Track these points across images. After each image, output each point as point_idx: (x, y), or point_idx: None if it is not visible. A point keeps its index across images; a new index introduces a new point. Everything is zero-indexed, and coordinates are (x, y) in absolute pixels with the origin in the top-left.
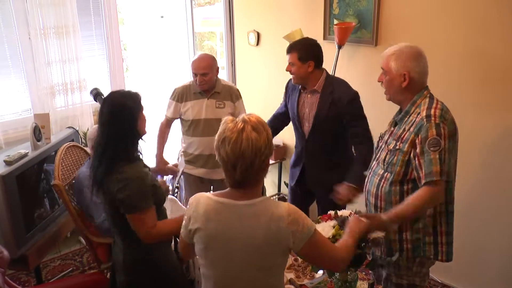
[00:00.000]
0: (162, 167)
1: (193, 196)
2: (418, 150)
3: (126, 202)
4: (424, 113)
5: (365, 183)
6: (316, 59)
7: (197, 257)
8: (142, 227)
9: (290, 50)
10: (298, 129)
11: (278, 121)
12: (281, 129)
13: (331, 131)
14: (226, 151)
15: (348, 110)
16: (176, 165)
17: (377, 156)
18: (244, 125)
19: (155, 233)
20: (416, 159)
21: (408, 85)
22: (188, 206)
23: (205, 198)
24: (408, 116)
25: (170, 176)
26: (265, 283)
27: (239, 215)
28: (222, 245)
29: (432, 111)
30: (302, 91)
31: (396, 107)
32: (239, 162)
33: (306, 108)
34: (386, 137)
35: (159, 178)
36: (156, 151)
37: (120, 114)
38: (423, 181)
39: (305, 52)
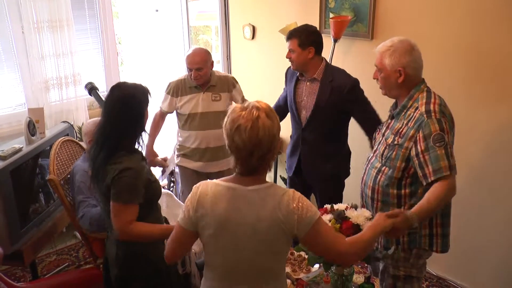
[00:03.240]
0: (152, 159)
1: (197, 184)
2: (421, 146)
3: (114, 188)
4: (423, 108)
5: (362, 175)
6: (317, 45)
7: (204, 245)
8: (118, 219)
9: (290, 36)
10: (295, 117)
11: (280, 109)
12: (286, 115)
13: (328, 120)
14: (242, 139)
15: (350, 98)
16: (165, 159)
17: (375, 149)
18: (258, 113)
19: (130, 231)
20: (421, 156)
21: (404, 80)
22: (191, 193)
23: (212, 184)
24: (405, 110)
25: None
26: (270, 269)
27: (247, 200)
28: (231, 230)
29: (432, 106)
30: (300, 78)
31: (393, 100)
32: (256, 149)
33: (304, 96)
34: (383, 130)
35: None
36: (147, 142)
37: (128, 103)
38: (431, 178)
39: (305, 38)
